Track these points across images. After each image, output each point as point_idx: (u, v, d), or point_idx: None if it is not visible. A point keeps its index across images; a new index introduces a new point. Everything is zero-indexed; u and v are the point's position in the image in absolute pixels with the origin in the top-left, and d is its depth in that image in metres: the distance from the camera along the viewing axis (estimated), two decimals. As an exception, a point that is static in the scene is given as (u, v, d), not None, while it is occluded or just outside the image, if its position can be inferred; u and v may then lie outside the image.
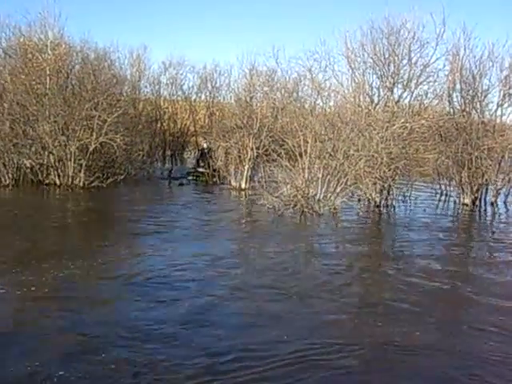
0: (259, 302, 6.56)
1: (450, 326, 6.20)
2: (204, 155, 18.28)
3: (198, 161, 18.92)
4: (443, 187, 17.04)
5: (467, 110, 16.18)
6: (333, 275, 7.87)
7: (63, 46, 16.16)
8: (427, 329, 5.95)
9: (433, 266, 8.76)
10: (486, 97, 16.15)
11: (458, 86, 16.33)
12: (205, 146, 18.72)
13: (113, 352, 4.96)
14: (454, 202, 15.99)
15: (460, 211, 15.22)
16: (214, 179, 17.55)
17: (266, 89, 17.51)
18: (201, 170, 18.15)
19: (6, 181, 15.05)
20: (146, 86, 22.81)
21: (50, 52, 15.72)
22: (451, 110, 16.36)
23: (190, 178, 18.08)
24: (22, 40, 16.28)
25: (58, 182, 15.30)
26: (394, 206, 14.60)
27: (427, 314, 6.46)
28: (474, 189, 15.80)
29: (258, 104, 17.14)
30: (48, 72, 15.49)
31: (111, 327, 5.52)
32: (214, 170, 17.57)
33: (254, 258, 8.82)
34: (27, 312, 5.90)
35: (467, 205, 15.67)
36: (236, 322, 5.95)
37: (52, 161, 15.23)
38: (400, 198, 15.15)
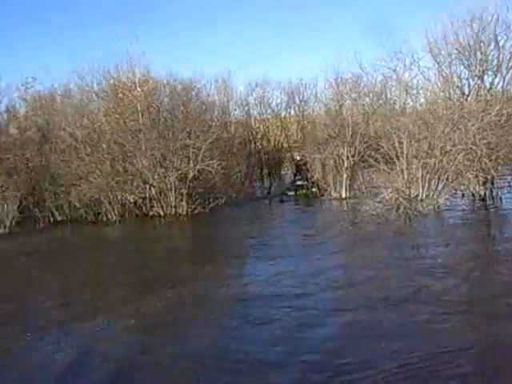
0: (366, 314, 6.51)
1: None
2: (299, 167, 18.38)
3: (295, 175, 19.03)
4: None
5: None
6: (440, 279, 7.69)
7: (150, 81, 16.71)
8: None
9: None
10: None
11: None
12: (298, 158, 18.81)
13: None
14: None
15: None
16: (314, 190, 17.58)
17: (353, 95, 17.41)
18: (299, 182, 18.23)
19: (112, 217, 15.68)
20: (235, 109, 23.12)
21: (139, 89, 16.26)
22: (549, 89, 15.71)
23: (290, 193, 18.16)
24: (111, 81, 16.96)
25: (161, 213, 15.77)
26: (501, 198, 14.15)
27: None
28: None
29: (348, 111, 17.04)
30: (139, 108, 16.03)
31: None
32: (313, 182, 17.60)
33: (362, 268, 8.66)
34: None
35: None
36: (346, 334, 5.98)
37: (154, 193, 15.72)
38: (505, 188, 14.67)
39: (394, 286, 7.51)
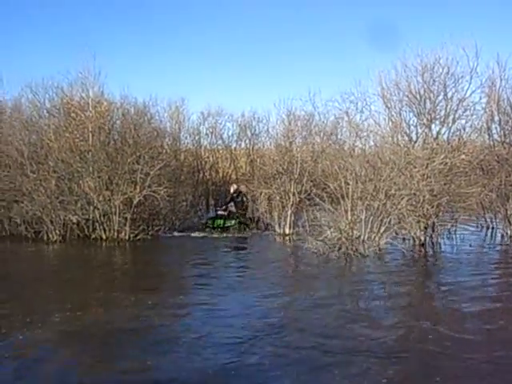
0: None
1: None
2: (233, 200, 18.17)
3: (223, 204, 18.77)
4: (489, 221, 16.81)
5: (507, 141, 16.08)
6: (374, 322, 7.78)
7: (104, 103, 16.60)
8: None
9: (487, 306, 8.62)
10: (526, 127, 16.04)
11: (496, 118, 16.29)
12: (232, 190, 18.55)
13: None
14: (502, 236, 15.77)
15: (508, 244, 14.98)
16: (250, 225, 17.68)
17: (304, 133, 17.62)
18: (220, 212, 17.97)
19: (53, 237, 15.36)
20: (186, 137, 23.04)
21: (91, 110, 16.15)
22: (491, 143, 16.26)
23: (209, 222, 17.74)
24: (64, 100, 16.76)
25: (104, 236, 15.58)
26: (440, 244, 14.46)
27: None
28: (521, 221, 15.58)
29: (298, 149, 17.22)
30: (90, 129, 15.87)
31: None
32: (250, 218, 17.82)
33: (302, 309, 8.64)
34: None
35: (515, 237, 15.45)
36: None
37: (97, 215, 15.51)
38: (445, 234, 15.03)
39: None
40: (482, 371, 5.96)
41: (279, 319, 7.96)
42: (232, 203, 18.09)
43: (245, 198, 18.13)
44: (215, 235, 16.59)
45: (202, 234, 16.60)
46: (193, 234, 16.53)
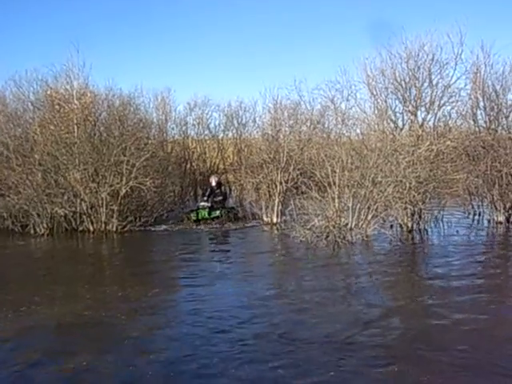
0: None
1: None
2: (213, 192, 17.89)
3: (203, 196, 18.30)
4: (475, 207, 16.89)
5: (493, 126, 16.12)
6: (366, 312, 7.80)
7: (89, 94, 16.51)
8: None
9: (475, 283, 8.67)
10: (511, 112, 16.09)
11: (481, 104, 16.31)
12: (213, 183, 18.10)
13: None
14: (488, 221, 15.85)
15: (494, 230, 15.08)
16: (236, 215, 17.61)
17: (291, 122, 17.60)
18: (202, 203, 17.63)
19: (41, 230, 15.32)
20: (173, 128, 22.98)
21: (76, 102, 16.04)
22: (476, 129, 16.30)
23: (193, 215, 17.32)
24: (48, 92, 16.64)
25: (91, 229, 15.54)
26: (427, 230, 14.53)
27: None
28: (508, 206, 15.65)
29: (284, 138, 17.19)
30: (75, 121, 15.79)
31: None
32: (231, 208, 17.86)
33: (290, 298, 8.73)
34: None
35: (501, 223, 15.53)
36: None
37: (84, 208, 15.46)
38: (432, 221, 15.09)
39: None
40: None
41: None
42: (212, 195, 17.80)
43: (223, 189, 18.03)
44: (201, 227, 16.47)
45: (187, 226, 16.50)
46: (180, 226, 16.43)
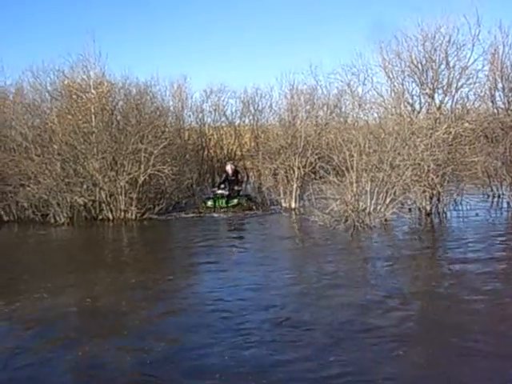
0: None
1: None
2: (227, 179, 17.71)
3: (219, 184, 18.01)
4: (495, 189, 16.77)
5: (511, 108, 15.98)
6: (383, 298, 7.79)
7: (105, 84, 16.53)
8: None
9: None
10: (530, 93, 15.95)
11: (499, 85, 16.20)
12: (230, 171, 17.84)
13: None
14: (508, 204, 15.73)
15: (514, 212, 15.00)
16: (255, 201, 17.46)
17: (307, 107, 17.58)
18: (220, 191, 17.35)
19: (61, 219, 15.47)
20: (189, 116, 22.99)
21: (93, 91, 16.11)
22: (495, 110, 16.17)
23: (209, 202, 17.12)
24: (65, 82, 16.73)
25: (110, 217, 15.67)
26: (446, 213, 14.46)
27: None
28: (527, 187, 15.55)
29: (302, 123, 17.16)
30: (93, 110, 15.87)
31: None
32: (247, 196, 17.75)
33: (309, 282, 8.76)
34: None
35: (521, 204, 15.44)
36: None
37: (103, 196, 15.58)
38: (451, 204, 15.02)
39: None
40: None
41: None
42: (228, 182, 17.61)
43: (240, 176, 18.05)
44: (220, 214, 16.38)
45: (206, 213, 16.48)
46: (198, 213, 16.43)
